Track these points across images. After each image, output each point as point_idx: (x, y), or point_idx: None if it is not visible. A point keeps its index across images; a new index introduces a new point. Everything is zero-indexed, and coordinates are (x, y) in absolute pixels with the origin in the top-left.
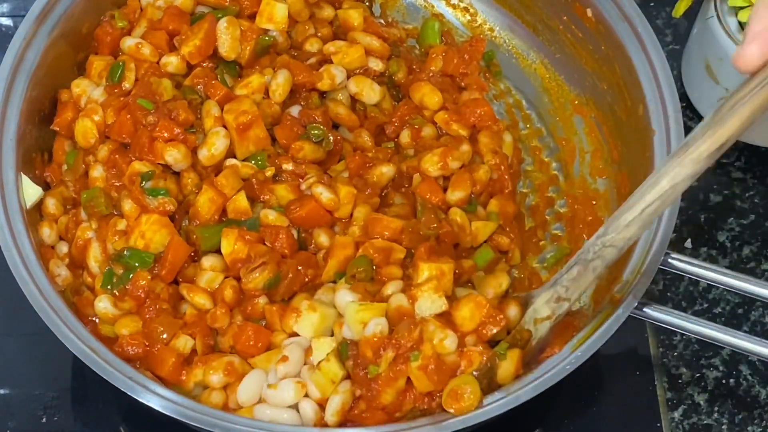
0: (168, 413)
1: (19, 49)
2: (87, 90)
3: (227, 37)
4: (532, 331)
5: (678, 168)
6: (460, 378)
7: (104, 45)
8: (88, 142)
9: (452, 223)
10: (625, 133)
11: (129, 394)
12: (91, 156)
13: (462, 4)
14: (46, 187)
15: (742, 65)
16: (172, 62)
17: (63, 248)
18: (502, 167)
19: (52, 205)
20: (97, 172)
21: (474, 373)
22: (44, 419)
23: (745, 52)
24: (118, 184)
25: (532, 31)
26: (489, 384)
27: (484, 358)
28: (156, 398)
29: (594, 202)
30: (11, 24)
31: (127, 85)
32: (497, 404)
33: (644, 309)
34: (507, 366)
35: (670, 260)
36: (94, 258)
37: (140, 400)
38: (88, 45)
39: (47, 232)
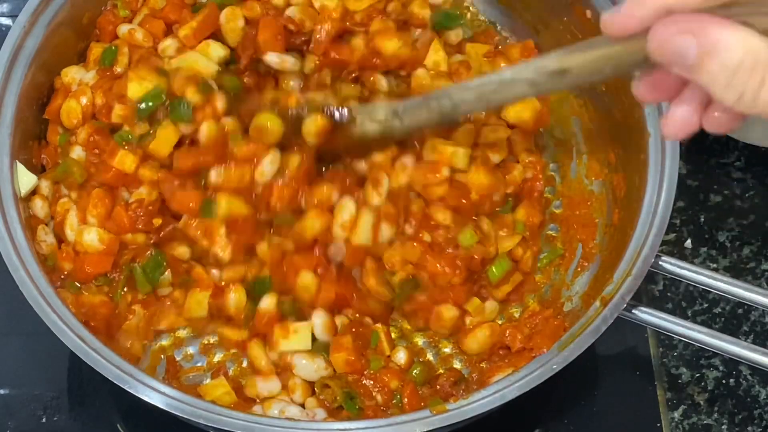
0: (168, 409)
1: (18, 37)
2: (77, 77)
3: (232, 26)
4: (358, 124)
5: (524, 67)
6: None
7: (106, 33)
8: (71, 122)
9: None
10: (621, 135)
11: (126, 389)
12: (73, 137)
13: (464, 3)
14: (43, 171)
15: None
16: (169, 45)
17: (52, 225)
18: (538, 167)
19: (45, 187)
20: (76, 154)
21: None
22: (44, 419)
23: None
24: (97, 163)
25: (533, 31)
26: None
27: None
28: (154, 393)
29: (589, 203)
30: (11, 24)
31: (119, 69)
32: (480, 402)
33: (633, 311)
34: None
35: (661, 263)
36: (70, 226)
37: (139, 395)
38: (90, 34)
39: (39, 204)
